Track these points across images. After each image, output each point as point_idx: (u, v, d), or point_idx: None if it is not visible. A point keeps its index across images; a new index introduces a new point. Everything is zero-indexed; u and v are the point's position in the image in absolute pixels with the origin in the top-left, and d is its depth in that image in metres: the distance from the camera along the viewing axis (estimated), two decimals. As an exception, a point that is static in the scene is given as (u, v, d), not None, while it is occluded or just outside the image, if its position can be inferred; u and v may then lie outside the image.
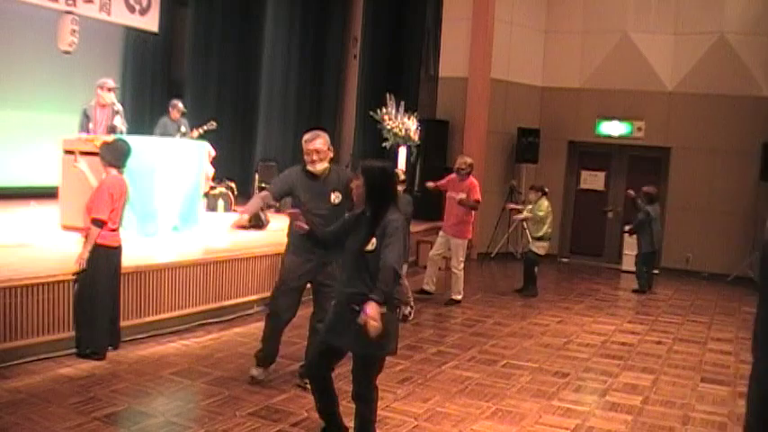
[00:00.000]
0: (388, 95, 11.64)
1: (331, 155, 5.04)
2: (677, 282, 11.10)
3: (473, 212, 8.60)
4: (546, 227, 9.20)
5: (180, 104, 9.78)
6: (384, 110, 11.54)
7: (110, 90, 7.92)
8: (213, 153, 9.45)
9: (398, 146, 11.78)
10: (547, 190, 9.44)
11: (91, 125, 7.81)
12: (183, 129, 9.58)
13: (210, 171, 9.64)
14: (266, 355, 5.26)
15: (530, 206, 9.50)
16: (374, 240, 3.72)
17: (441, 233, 8.75)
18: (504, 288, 9.71)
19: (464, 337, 6.98)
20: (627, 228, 10.82)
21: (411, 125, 11.62)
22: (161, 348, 5.92)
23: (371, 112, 11.66)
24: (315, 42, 13.99)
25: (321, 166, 4.96)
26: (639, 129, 12.36)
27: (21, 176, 10.61)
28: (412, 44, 13.60)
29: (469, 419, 4.76)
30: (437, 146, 12.60)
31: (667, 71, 12.10)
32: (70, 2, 9.70)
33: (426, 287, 8.68)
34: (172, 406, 4.72)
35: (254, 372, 5.25)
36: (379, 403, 4.02)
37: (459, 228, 8.49)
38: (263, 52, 13.88)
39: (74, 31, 9.72)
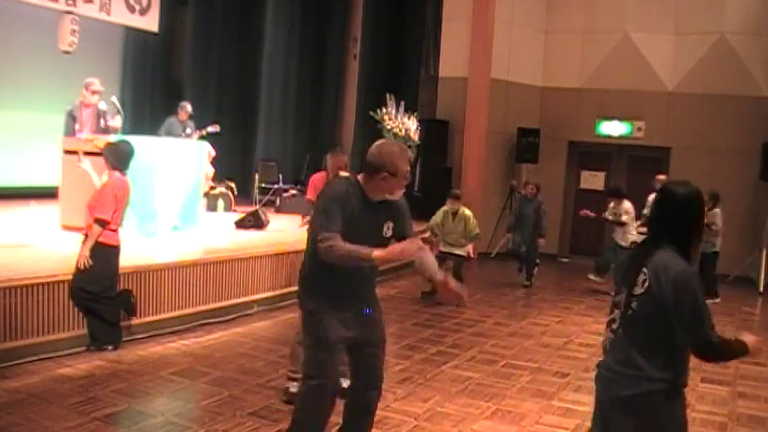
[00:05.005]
0: (388, 95, 11.64)
1: None
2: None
3: None
4: None
5: (188, 106, 9.98)
6: (384, 110, 11.54)
7: (94, 93, 7.78)
8: (213, 153, 9.50)
9: (398, 146, 11.77)
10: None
11: (77, 126, 7.70)
12: (188, 130, 9.70)
13: (210, 171, 9.66)
14: None
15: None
16: None
17: None
18: (504, 288, 9.70)
19: (464, 337, 6.97)
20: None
21: (411, 125, 11.62)
22: (161, 348, 5.92)
23: (371, 112, 11.66)
24: (315, 42, 14.01)
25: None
26: (639, 129, 12.36)
27: (21, 176, 10.61)
28: (412, 44, 13.61)
29: (469, 419, 4.75)
30: (437, 146, 12.61)
31: (667, 71, 12.10)
32: (70, 2, 9.70)
33: None
34: (172, 406, 4.72)
35: None
36: (378, 403, 4.01)
37: None
38: (263, 52, 13.90)
39: (74, 31, 9.72)
